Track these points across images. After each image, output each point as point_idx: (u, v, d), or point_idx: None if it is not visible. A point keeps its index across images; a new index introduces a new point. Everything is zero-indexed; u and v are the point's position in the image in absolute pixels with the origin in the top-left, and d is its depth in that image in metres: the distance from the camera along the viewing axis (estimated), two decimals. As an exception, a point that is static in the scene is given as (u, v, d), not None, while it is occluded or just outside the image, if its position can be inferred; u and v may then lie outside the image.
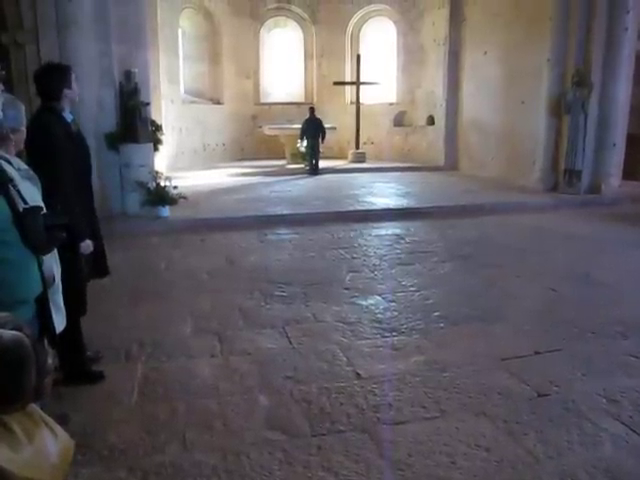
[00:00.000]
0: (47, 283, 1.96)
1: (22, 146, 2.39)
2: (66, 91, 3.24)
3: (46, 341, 2.12)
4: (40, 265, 1.92)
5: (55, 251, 2.09)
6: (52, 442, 1.33)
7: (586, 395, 3.23)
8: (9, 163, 1.88)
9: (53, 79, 3.23)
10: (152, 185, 8.05)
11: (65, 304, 2.17)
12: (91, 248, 3.29)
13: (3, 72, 1.83)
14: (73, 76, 3.31)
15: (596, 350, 3.88)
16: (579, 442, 2.77)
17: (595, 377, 3.47)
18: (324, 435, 2.83)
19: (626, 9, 10.24)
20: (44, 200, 2.02)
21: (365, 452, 2.69)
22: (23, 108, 2.31)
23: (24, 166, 2.03)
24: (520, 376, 3.46)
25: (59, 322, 2.10)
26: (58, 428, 1.39)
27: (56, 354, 3.17)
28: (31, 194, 1.91)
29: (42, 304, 1.98)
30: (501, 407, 3.10)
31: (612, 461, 2.62)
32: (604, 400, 3.17)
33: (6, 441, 1.18)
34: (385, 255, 6.50)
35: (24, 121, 2.34)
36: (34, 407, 1.33)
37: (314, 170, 13.85)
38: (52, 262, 2.01)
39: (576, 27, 10.39)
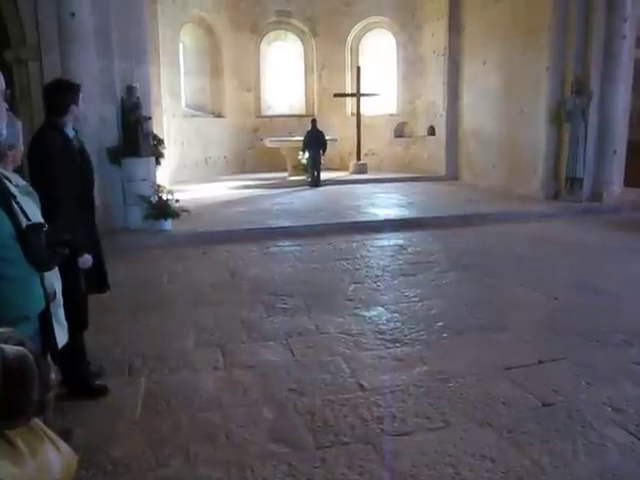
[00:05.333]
0: (49, 299, 1.97)
1: (19, 162, 2.41)
2: (73, 107, 3.29)
3: (49, 356, 2.12)
4: (42, 281, 1.92)
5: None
6: (55, 457, 1.33)
7: (591, 404, 3.22)
8: (8, 180, 1.89)
9: (65, 94, 3.28)
10: (154, 199, 8.08)
11: (66, 319, 2.17)
12: (90, 263, 3.30)
13: (8, 91, 1.85)
14: (81, 95, 3.37)
15: (600, 358, 3.86)
16: (585, 452, 2.75)
17: (600, 386, 3.45)
18: (328, 447, 2.82)
19: (624, 18, 10.30)
20: (43, 215, 2.03)
21: (369, 464, 2.67)
22: (20, 125, 2.33)
23: (22, 182, 2.04)
24: (524, 385, 3.45)
25: (61, 337, 2.10)
26: (61, 443, 1.39)
27: (58, 369, 3.17)
28: (31, 210, 1.92)
29: (44, 320, 1.98)
30: (506, 417, 3.09)
31: (619, 471, 2.60)
32: (609, 409, 3.16)
33: (9, 456, 1.18)
34: (387, 266, 6.50)
35: (21, 137, 2.36)
36: (37, 422, 1.33)
37: (316, 182, 13.88)
38: (53, 277, 2.02)
39: (574, 36, 10.46)
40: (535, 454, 2.73)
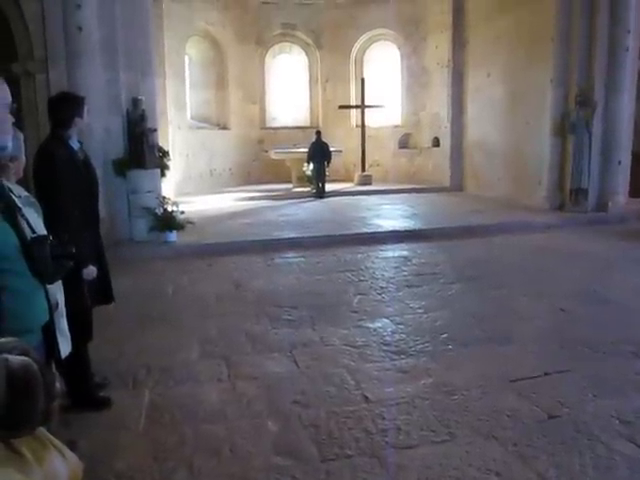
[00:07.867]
0: (52, 310, 1.97)
1: (22, 174, 2.43)
2: (77, 119, 3.32)
3: (53, 365, 2.12)
4: (47, 293, 1.93)
5: None
6: (62, 465, 1.33)
7: (598, 417, 3.19)
8: (11, 191, 1.90)
9: (69, 106, 3.32)
10: (159, 210, 8.11)
11: (70, 330, 2.17)
12: (94, 274, 3.31)
13: (14, 104, 1.87)
14: (86, 107, 3.40)
15: (607, 370, 3.83)
16: (592, 465, 2.72)
17: (607, 398, 3.42)
18: (333, 460, 2.80)
19: (627, 29, 10.32)
20: (46, 226, 2.04)
21: (374, 477, 2.65)
22: (22, 137, 2.36)
23: (24, 193, 2.06)
24: (530, 398, 3.42)
25: (64, 347, 2.10)
26: (67, 451, 1.39)
27: (62, 379, 3.17)
28: (35, 221, 1.93)
29: (48, 331, 1.98)
30: (511, 430, 3.06)
31: (626, 484, 2.58)
32: (617, 421, 3.13)
33: (16, 465, 1.19)
34: (392, 277, 6.49)
35: (23, 149, 2.38)
36: (42, 430, 1.33)
37: (320, 193, 13.91)
38: (55, 288, 2.02)
39: (578, 48, 10.48)
40: (541, 468, 2.70)
